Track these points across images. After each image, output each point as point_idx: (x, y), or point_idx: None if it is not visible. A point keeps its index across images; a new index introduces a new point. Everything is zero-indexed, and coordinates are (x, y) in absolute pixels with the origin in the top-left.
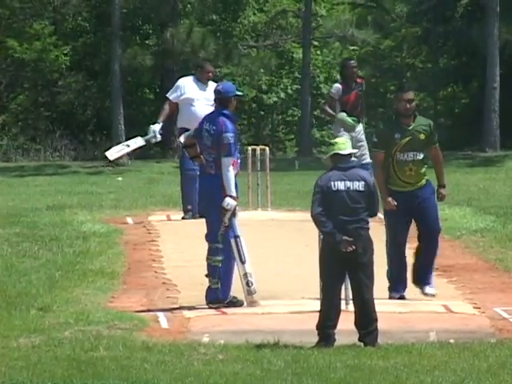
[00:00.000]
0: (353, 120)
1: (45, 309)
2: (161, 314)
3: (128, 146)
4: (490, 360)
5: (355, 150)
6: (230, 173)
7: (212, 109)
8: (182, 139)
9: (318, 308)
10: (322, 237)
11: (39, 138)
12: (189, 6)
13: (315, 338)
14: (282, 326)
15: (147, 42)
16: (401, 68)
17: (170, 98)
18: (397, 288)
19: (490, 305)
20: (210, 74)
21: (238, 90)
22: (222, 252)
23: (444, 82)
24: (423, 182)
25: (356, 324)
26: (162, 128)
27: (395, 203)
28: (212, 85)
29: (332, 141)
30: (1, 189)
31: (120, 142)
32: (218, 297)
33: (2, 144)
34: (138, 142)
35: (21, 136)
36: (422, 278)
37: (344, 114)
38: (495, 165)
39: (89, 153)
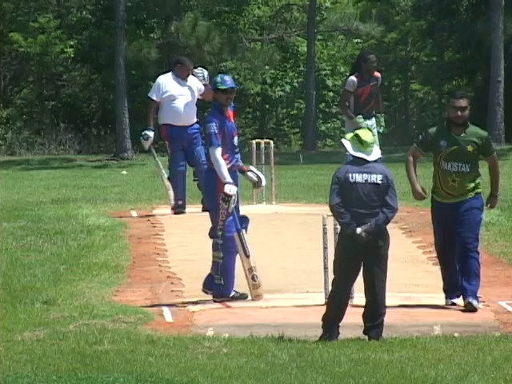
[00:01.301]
0: (366, 125)
1: (49, 302)
2: (165, 308)
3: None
4: (494, 353)
5: (378, 156)
6: (219, 161)
7: (192, 103)
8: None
9: (322, 301)
10: (338, 231)
11: (44, 132)
12: None
13: (320, 332)
14: (286, 319)
15: (152, 35)
16: (405, 61)
17: (154, 98)
18: (448, 294)
19: (495, 298)
20: (190, 72)
21: (233, 83)
22: (222, 248)
23: (449, 76)
24: (470, 194)
25: (364, 316)
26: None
27: (424, 195)
28: (192, 78)
29: (363, 138)
30: (5, 182)
31: (124, 137)
32: (223, 292)
33: (7, 137)
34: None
35: (25, 129)
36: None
37: (362, 120)
38: (500, 158)
39: (93, 146)
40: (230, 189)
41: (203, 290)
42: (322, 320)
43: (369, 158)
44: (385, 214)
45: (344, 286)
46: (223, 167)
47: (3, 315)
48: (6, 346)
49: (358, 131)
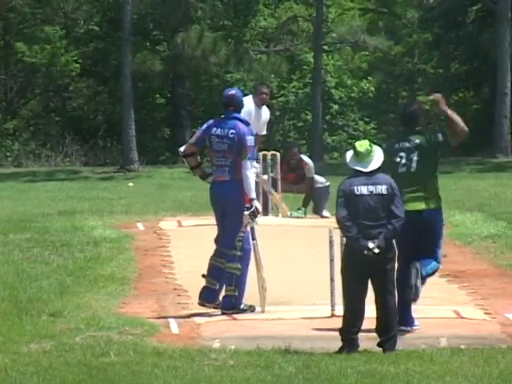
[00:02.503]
0: None
1: (56, 314)
2: (171, 320)
3: None
4: (500, 366)
5: (376, 167)
6: (253, 174)
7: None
8: (181, 149)
9: (329, 313)
10: (344, 243)
11: (50, 144)
12: (200, 11)
13: (326, 344)
14: (292, 331)
15: (158, 47)
16: (412, 73)
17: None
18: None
19: (501, 310)
20: (264, 96)
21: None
22: (239, 259)
23: (455, 88)
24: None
25: (377, 330)
26: None
27: None
28: (265, 109)
29: (357, 149)
30: (12, 194)
31: (131, 148)
32: (235, 304)
33: (14, 149)
34: None
35: (32, 141)
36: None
37: None
38: (506, 170)
39: (100, 158)
40: (257, 205)
41: (202, 304)
42: (340, 334)
43: (364, 170)
44: (392, 225)
45: (357, 296)
46: (254, 182)
47: (9, 327)
48: (12, 357)
49: (356, 143)
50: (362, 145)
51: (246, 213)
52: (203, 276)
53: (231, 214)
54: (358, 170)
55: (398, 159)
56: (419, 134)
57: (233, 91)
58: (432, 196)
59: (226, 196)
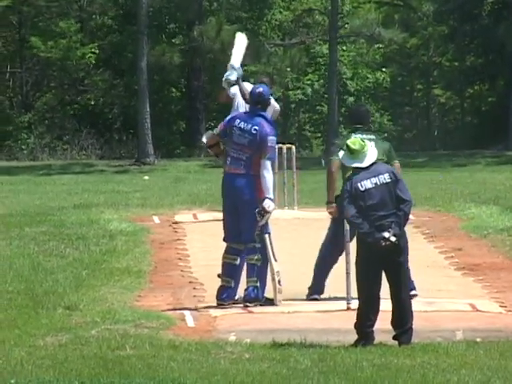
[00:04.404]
0: None
1: (71, 307)
2: (187, 313)
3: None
4: None
5: (374, 159)
6: (271, 175)
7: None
8: (204, 139)
9: (344, 306)
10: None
11: (66, 137)
12: (215, 4)
13: (341, 337)
14: (308, 324)
15: (173, 40)
16: (427, 66)
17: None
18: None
19: None
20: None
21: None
22: (260, 251)
23: (471, 81)
24: None
25: (392, 323)
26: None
27: None
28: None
29: (351, 147)
30: (28, 187)
31: (146, 142)
32: (257, 295)
33: (29, 143)
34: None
35: (47, 135)
36: None
37: None
38: None
39: (115, 151)
40: (269, 205)
41: (222, 303)
42: (355, 327)
43: (363, 165)
44: (402, 210)
45: (372, 290)
46: (272, 182)
47: (25, 320)
48: (28, 351)
49: (347, 141)
50: (354, 142)
51: (256, 211)
52: (218, 276)
53: (244, 208)
54: (357, 167)
55: None
56: (370, 131)
57: (260, 89)
58: None
59: (237, 188)
